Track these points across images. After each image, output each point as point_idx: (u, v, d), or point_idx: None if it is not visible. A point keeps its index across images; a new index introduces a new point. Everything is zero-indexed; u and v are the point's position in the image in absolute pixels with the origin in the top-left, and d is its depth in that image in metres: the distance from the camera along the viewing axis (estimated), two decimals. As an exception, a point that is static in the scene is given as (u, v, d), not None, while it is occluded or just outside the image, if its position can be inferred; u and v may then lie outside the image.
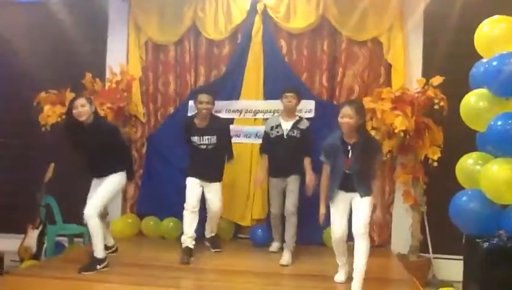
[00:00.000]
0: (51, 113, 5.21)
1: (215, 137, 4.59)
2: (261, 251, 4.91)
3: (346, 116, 3.54)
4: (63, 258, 4.59)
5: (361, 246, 3.60)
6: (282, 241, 4.75)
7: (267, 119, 5.12)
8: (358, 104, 3.76)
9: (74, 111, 3.94)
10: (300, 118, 4.73)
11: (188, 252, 4.39)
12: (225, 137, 4.72)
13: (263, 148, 4.82)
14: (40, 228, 5.00)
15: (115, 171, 4.10)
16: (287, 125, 4.66)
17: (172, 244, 4.98)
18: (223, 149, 4.72)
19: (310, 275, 4.13)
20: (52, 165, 5.12)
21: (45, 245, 4.98)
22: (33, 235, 4.97)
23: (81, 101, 3.97)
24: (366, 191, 3.63)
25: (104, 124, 4.20)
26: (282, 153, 4.62)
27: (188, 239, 4.44)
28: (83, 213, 3.98)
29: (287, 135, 4.64)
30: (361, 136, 3.61)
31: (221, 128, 4.68)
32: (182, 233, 4.54)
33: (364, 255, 3.60)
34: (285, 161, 4.62)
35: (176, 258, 4.38)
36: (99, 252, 3.98)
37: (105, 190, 4.05)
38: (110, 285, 3.75)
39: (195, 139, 4.61)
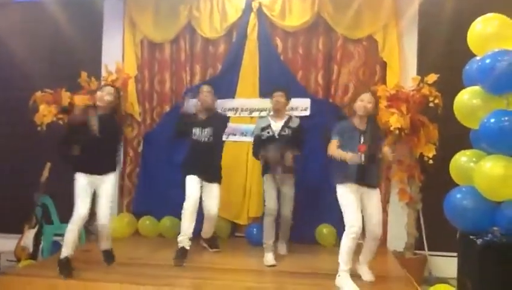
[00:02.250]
0: (46, 113, 5.22)
1: (212, 129, 4.52)
2: (257, 249, 4.90)
3: (365, 101, 3.72)
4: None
5: (376, 246, 3.78)
6: (275, 248, 4.68)
7: (262, 117, 5.12)
8: (375, 94, 4.02)
9: (98, 93, 4.03)
10: (290, 117, 4.69)
11: (184, 253, 4.32)
12: (219, 133, 4.66)
13: (257, 151, 4.64)
14: (37, 227, 5.00)
15: (114, 169, 4.16)
16: (277, 126, 4.61)
17: (169, 242, 4.98)
18: (221, 146, 4.68)
19: (306, 272, 4.15)
20: (49, 164, 5.12)
21: (42, 245, 4.99)
22: (30, 235, 4.97)
23: (110, 89, 4.13)
24: (377, 180, 3.78)
25: (116, 117, 4.29)
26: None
27: (185, 240, 4.36)
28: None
29: (279, 134, 4.58)
30: (370, 124, 3.77)
31: (219, 123, 4.65)
32: (179, 233, 4.51)
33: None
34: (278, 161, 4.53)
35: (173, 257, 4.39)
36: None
37: (111, 194, 4.11)
38: (107, 284, 3.74)
39: (196, 131, 4.53)
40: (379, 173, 3.86)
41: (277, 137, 4.57)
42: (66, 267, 3.81)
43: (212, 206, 4.54)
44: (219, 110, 4.97)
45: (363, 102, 3.73)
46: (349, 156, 3.57)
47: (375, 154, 3.73)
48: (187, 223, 4.36)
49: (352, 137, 3.70)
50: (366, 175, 3.68)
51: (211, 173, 4.56)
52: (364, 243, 3.85)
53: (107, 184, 4.08)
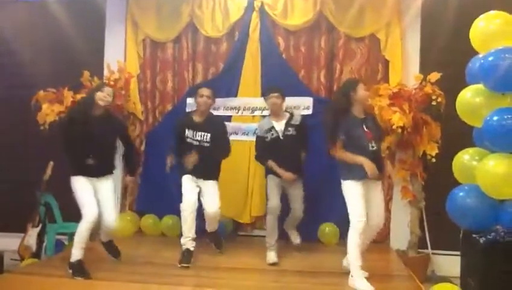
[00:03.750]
0: (49, 112, 5.22)
1: (209, 135, 4.40)
2: (260, 248, 4.90)
3: (364, 89, 3.76)
4: (63, 257, 4.56)
5: (374, 236, 3.85)
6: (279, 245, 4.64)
7: (265, 116, 5.11)
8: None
9: (99, 93, 3.91)
10: (291, 114, 4.63)
11: (189, 254, 4.26)
12: (221, 135, 4.52)
13: (263, 156, 4.59)
14: (40, 226, 5.01)
15: (112, 171, 4.13)
16: (280, 125, 4.54)
17: (171, 241, 5.00)
18: (219, 147, 4.49)
19: (310, 271, 4.15)
20: (51, 163, 5.12)
21: (45, 244, 5.00)
22: (33, 233, 4.98)
23: (109, 90, 4.01)
24: (381, 170, 3.72)
25: (116, 118, 4.27)
26: (280, 155, 4.49)
27: (188, 241, 4.29)
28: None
29: (283, 135, 4.53)
30: (365, 111, 3.82)
31: (216, 126, 4.51)
32: (181, 234, 4.48)
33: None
34: (285, 163, 4.47)
35: (177, 256, 4.39)
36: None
37: (113, 194, 4.08)
38: (111, 283, 3.75)
39: (189, 133, 4.41)
40: (382, 164, 3.82)
41: (282, 138, 4.52)
42: (80, 269, 3.79)
43: (210, 204, 4.38)
44: (214, 113, 4.83)
45: (367, 92, 3.81)
46: (366, 166, 3.56)
47: (378, 145, 3.76)
48: (188, 225, 4.28)
49: (357, 128, 3.68)
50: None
51: (207, 172, 4.44)
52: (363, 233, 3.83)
53: (107, 186, 4.03)
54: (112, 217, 4.02)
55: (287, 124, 4.55)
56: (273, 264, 4.32)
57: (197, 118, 4.48)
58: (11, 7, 6.03)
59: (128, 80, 5.55)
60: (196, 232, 4.35)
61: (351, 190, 3.65)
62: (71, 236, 5.17)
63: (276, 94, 4.51)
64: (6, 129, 5.90)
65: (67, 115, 4.16)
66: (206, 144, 4.41)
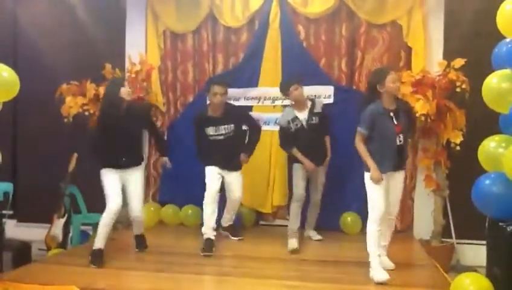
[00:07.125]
0: (72, 104, 5.31)
1: (232, 126, 4.53)
2: (282, 237, 4.91)
3: (397, 81, 3.66)
4: (88, 247, 4.66)
5: (392, 226, 3.83)
6: (300, 233, 4.70)
7: (285, 106, 5.08)
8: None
9: (123, 89, 4.00)
10: (313, 102, 4.65)
11: (210, 243, 4.35)
12: (248, 123, 4.72)
13: (288, 143, 4.63)
14: (65, 217, 5.11)
15: (140, 163, 4.21)
16: (303, 115, 4.60)
17: (192, 231, 5.04)
18: (243, 137, 4.69)
19: (330, 260, 4.14)
20: (75, 155, 5.20)
21: (71, 234, 5.10)
22: (59, 224, 5.08)
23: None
24: (405, 162, 3.73)
25: (140, 108, 4.39)
26: (306, 144, 4.57)
27: (209, 230, 4.40)
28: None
29: (307, 124, 4.58)
30: (397, 101, 3.70)
31: (238, 116, 4.64)
32: (202, 223, 4.52)
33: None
34: (310, 151, 4.56)
35: (198, 245, 4.43)
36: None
37: (140, 186, 4.19)
38: (134, 272, 3.82)
39: (210, 130, 4.52)
40: (407, 155, 3.83)
41: (306, 127, 4.58)
42: (98, 258, 3.90)
43: (235, 189, 4.59)
44: (235, 103, 4.96)
45: (395, 84, 3.63)
46: (372, 171, 3.52)
47: (407, 134, 3.71)
48: (209, 214, 4.41)
49: (385, 121, 3.61)
50: (396, 161, 3.63)
51: (232, 164, 4.59)
52: (380, 223, 3.78)
53: (136, 178, 4.13)
54: (137, 207, 4.17)
55: (310, 113, 4.60)
56: (294, 251, 4.34)
57: (214, 113, 4.54)
58: (32, 1, 6.10)
59: (150, 72, 5.58)
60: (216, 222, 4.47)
61: (371, 183, 3.61)
62: (96, 226, 5.29)
63: (295, 86, 4.53)
64: (30, 122, 6.01)
65: (101, 112, 4.21)
66: (229, 136, 4.53)
